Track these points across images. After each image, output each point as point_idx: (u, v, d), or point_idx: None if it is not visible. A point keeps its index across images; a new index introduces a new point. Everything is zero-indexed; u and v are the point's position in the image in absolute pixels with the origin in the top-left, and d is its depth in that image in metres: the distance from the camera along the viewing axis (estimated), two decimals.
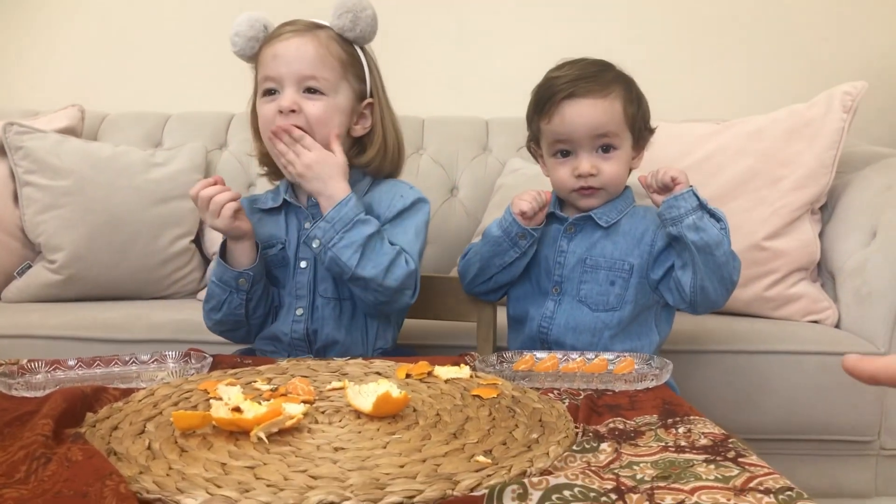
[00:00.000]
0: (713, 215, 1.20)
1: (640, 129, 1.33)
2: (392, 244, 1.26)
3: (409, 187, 1.35)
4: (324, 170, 1.23)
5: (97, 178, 1.95)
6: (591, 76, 1.29)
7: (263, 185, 2.12)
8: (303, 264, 1.31)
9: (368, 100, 1.33)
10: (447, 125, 2.23)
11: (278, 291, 1.34)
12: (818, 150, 1.79)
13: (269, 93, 1.28)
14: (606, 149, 1.29)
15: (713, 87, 2.36)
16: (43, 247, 1.93)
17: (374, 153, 1.34)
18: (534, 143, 1.39)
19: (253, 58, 1.32)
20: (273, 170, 1.36)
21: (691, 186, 1.20)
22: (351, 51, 1.31)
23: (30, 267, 1.95)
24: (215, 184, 1.24)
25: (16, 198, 1.96)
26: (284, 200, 1.35)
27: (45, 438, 0.73)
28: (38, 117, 2.12)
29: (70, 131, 2.08)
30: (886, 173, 1.81)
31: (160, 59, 2.41)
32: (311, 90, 1.26)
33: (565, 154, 1.31)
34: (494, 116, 2.26)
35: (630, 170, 1.35)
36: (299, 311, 1.31)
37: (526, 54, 2.37)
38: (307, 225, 1.30)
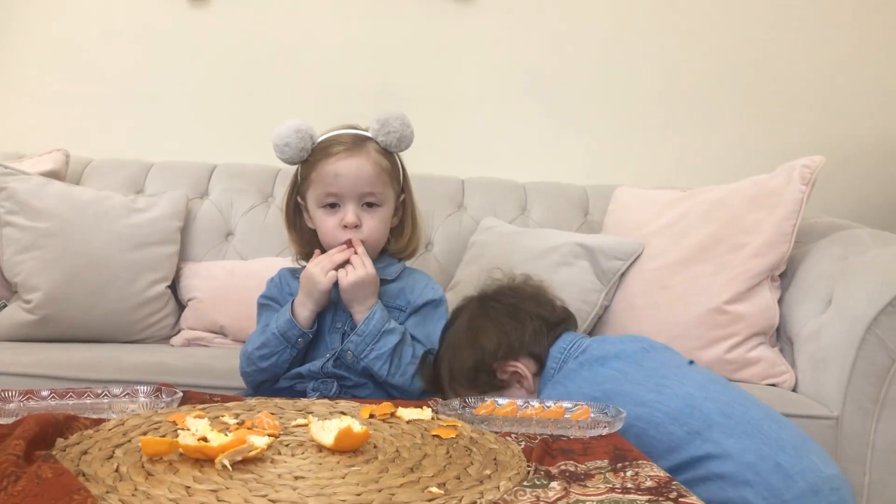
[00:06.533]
0: None
1: None
2: (416, 342, 1.42)
3: (435, 282, 1.53)
4: (363, 291, 1.38)
5: (77, 221, 1.99)
6: None
7: (242, 234, 2.19)
8: (338, 325, 1.43)
9: (402, 196, 1.49)
10: (424, 183, 2.29)
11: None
12: (778, 219, 1.86)
13: (331, 206, 1.42)
14: None
15: (681, 157, 2.45)
16: (19, 286, 1.95)
17: (405, 241, 1.50)
18: None
19: (296, 162, 1.46)
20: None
21: None
22: (392, 160, 1.46)
23: (5, 306, 1.97)
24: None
25: None
26: None
27: (16, 458, 0.76)
28: (24, 160, 2.16)
29: (54, 175, 2.12)
30: (843, 244, 1.87)
31: (145, 108, 2.47)
32: (369, 204, 1.42)
33: None
34: (470, 176, 2.33)
35: None
36: (327, 356, 1.40)
37: (501, 117, 2.47)
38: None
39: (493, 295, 1.42)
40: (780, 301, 1.88)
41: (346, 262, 1.39)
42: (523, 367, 1.34)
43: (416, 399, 1.34)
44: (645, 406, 1.19)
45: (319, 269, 1.37)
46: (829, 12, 2.44)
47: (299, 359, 1.42)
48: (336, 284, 1.38)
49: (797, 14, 2.44)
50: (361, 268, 1.37)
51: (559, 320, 1.41)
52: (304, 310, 1.39)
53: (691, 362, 1.35)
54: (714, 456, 1.13)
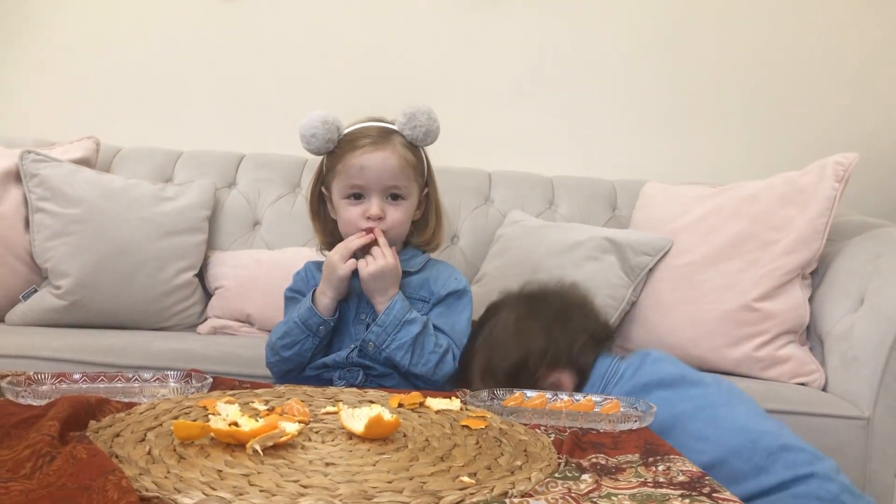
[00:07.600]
0: None
1: None
2: (440, 332, 1.40)
3: (459, 273, 1.51)
4: (384, 282, 1.38)
5: (107, 208, 2.00)
6: None
7: (269, 223, 2.19)
8: (362, 316, 1.43)
9: (426, 189, 1.50)
10: (451, 175, 2.29)
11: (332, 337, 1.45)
12: (810, 216, 1.84)
13: (355, 197, 1.42)
14: None
15: (710, 152, 2.42)
16: (50, 272, 1.96)
17: (429, 234, 1.50)
18: None
19: (323, 153, 1.46)
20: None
21: None
22: (417, 153, 1.46)
23: (35, 291, 1.99)
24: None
25: (27, 223, 2.01)
26: None
27: (51, 438, 0.76)
28: (55, 147, 2.17)
29: (84, 162, 2.14)
30: (876, 242, 1.85)
31: (175, 98, 2.48)
32: (393, 196, 1.42)
33: None
34: (497, 169, 2.32)
35: None
36: (352, 346, 1.40)
37: (528, 111, 2.46)
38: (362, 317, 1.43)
39: (540, 296, 1.41)
40: (810, 299, 1.86)
41: (367, 253, 1.39)
42: (567, 379, 1.34)
43: (439, 389, 1.35)
44: (707, 441, 1.19)
45: (338, 257, 1.38)
46: (864, 5, 2.40)
47: (322, 348, 1.42)
48: (357, 275, 1.39)
49: (830, 8, 2.41)
50: (382, 258, 1.37)
51: (605, 337, 1.40)
52: (325, 297, 1.40)
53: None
54: (790, 481, 1.14)
